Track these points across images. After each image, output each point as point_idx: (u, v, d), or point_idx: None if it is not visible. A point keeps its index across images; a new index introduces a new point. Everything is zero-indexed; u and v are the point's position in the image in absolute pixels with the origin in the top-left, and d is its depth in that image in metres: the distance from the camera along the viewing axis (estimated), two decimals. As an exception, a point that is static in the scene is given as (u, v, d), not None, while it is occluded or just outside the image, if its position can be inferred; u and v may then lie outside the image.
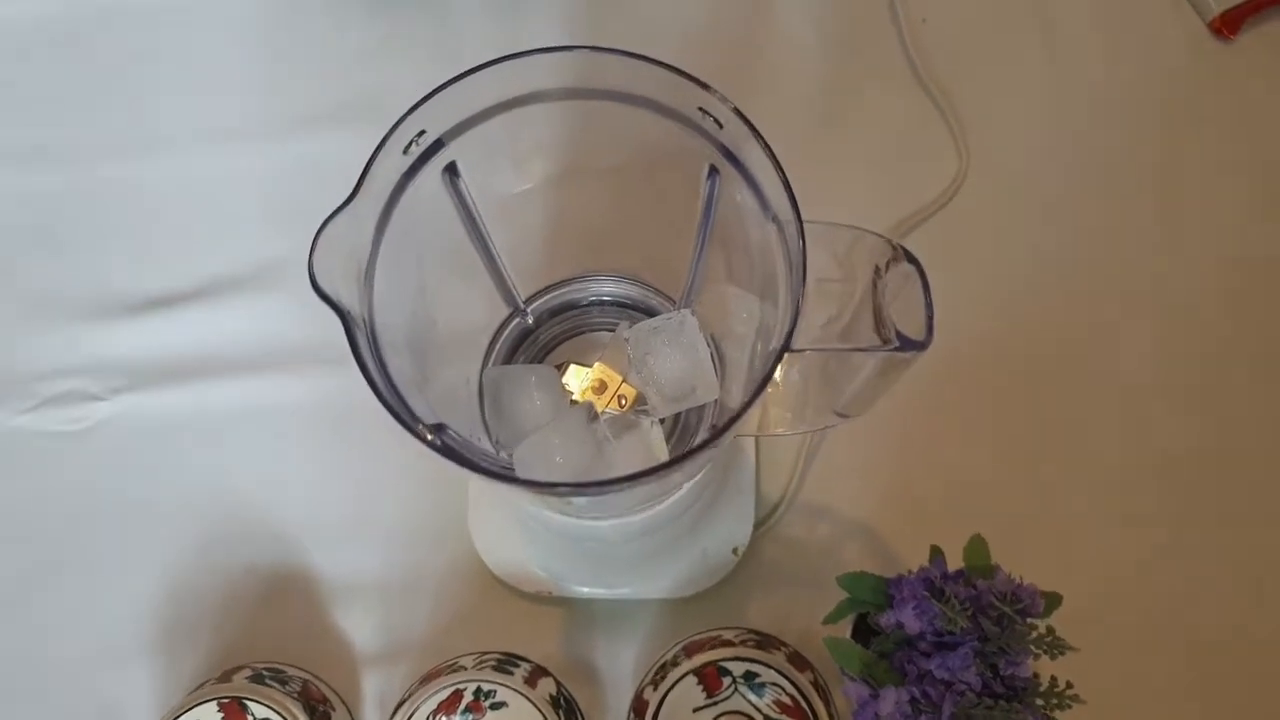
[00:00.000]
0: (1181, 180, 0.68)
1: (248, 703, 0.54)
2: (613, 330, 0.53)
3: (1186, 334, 0.65)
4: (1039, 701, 0.49)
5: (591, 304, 0.54)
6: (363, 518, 0.62)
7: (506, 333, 0.53)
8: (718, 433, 0.35)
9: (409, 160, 0.39)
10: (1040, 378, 0.65)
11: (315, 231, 0.35)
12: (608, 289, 0.54)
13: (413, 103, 0.35)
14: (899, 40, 0.70)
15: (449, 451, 0.34)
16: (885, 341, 0.37)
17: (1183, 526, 0.62)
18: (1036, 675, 0.50)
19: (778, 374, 0.38)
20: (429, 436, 0.35)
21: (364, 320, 0.36)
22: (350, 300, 0.36)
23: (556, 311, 0.54)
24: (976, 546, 0.54)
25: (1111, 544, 0.62)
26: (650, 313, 0.54)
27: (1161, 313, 0.66)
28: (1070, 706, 0.49)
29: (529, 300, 0.53)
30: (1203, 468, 0.63)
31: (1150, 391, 0.64)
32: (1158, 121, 0.69)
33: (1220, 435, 0.64)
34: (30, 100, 0.71)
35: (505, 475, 0.36)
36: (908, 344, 0.38)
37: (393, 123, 0.41)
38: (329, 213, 0.36)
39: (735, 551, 0.60)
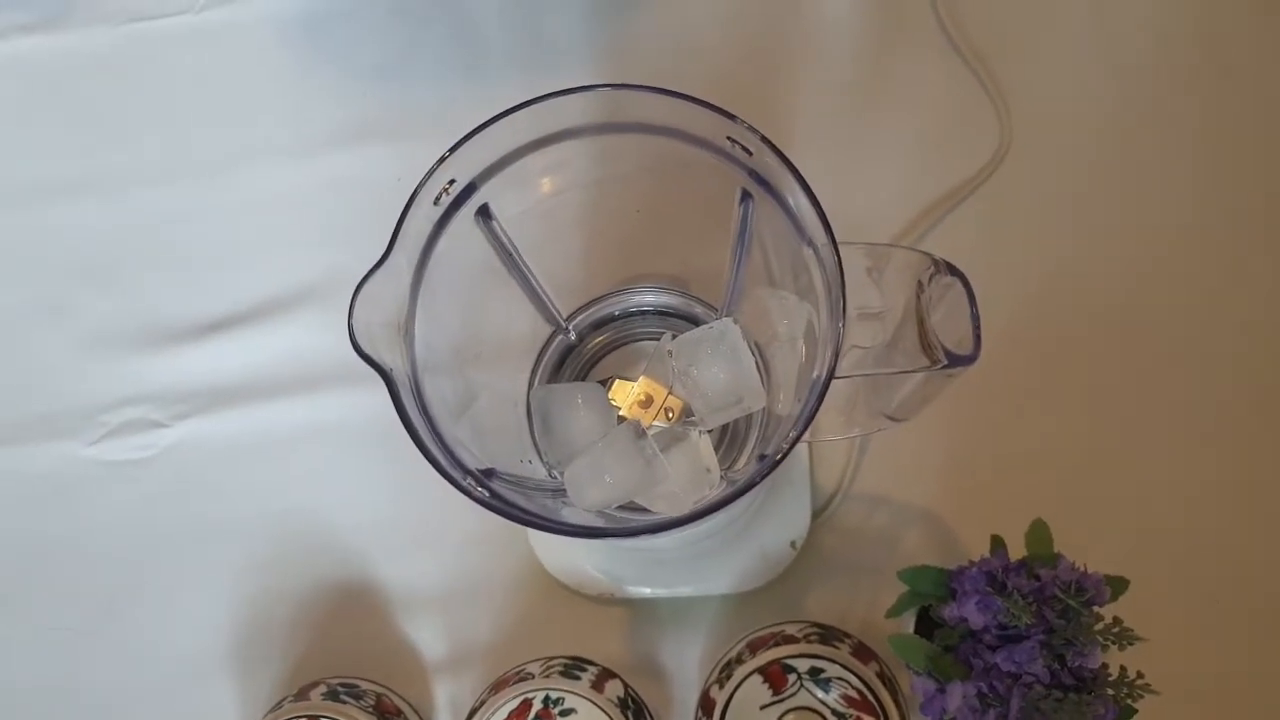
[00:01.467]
0: (1238, 141, 0.65)
1: (327, 721, 0.56)
2: (656, 339, 0.53)
3: (1247, 300, 0.63)
4: (1109, 692, 0.49)
5: (633, 314, 0.54)
6: (426, 529, 0.63)
7: (550, 351, 0.53)
8: (765, 470, 0.35)
9: (440, 210, 0.39)
10: (1095, 352, 0.63)
11: (351, 295, 0.35)
12: (648, 299, 0.54)
13: (438, 120, 0.34)
14: (932, 5, 0.68)
15: (498, 504, 0.35)
16: (933, 361, 0.37)
17: (1254, 499, 0.61)
18: (1106, 665, 0.50)
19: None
20: (478, 490, 0.35)
21: (407, 375, 0.37)
22: (391, 356, 0.36)
23: (598, 325, 0.54)
24: (1039, 532, 0.53)
25: (1179, 520, 0.61)
26: (692, 320, 0.54)
27: (1219, 280, 0.64)
28: (1143, 696, 0.49)
29: (570, 317, 0.53)
30: (1270, 435, 0.62)
31: (1212, 361, 0.63)
32: (1212, 79, 0.66)
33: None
34: (65, 134, 0.72)
35: (555, 525, 0.36)
36: (955, 360, 0.37)
37: (418, 137, 0.41)
38: (368, 242, 0.37)
39: (793, 545, 0.60)
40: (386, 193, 0.41)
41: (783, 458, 0.35)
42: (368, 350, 0.35)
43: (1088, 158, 0.66)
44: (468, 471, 0.36)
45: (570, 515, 0.42)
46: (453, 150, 0.37)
